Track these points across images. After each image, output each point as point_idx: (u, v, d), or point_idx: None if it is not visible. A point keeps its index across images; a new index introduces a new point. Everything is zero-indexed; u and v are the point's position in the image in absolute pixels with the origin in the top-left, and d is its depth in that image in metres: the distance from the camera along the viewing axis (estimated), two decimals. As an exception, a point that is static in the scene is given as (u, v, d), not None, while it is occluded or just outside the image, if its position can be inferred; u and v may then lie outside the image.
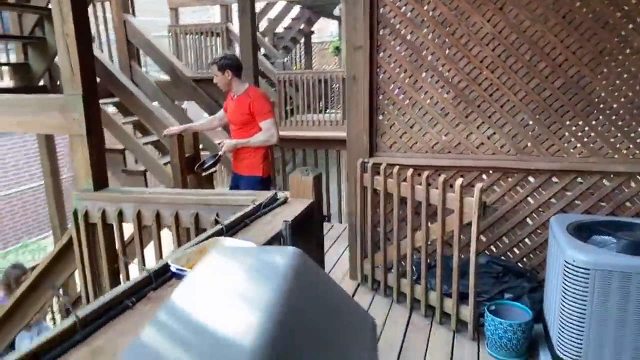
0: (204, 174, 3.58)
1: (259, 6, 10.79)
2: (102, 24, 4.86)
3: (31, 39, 3.66)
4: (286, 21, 10.32)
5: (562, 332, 2.27)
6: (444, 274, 2.81)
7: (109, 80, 4.00)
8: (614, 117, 2.81)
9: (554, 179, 2.96)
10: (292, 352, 0.71)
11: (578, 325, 2.20)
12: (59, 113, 2.59)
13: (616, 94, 2.78)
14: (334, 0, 9.44)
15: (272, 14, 10.29)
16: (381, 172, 3.03)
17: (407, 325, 2.90)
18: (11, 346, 3.29)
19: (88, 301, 2.72)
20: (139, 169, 4.03)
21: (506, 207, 3.05)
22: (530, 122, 2.95)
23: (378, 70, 3.14)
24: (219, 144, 3.59)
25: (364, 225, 3.24)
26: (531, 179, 2.99)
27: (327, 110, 8.45)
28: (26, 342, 3.07)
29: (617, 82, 2.77)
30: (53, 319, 4.45)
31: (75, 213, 2.63)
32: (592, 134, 2.87)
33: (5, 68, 3.82)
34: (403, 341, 2.76)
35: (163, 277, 1.40)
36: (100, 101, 4.02)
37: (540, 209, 3.01)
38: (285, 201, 2.19)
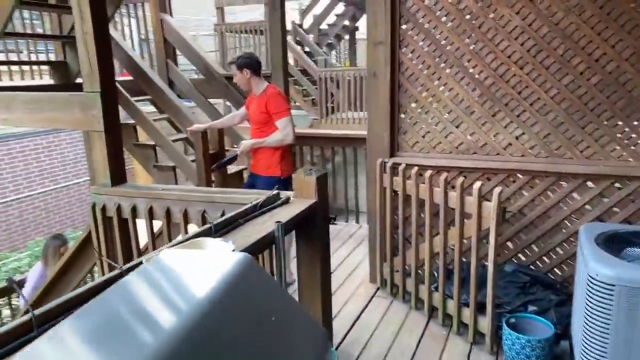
0: (217, 171, 3.60)
1: (304, 2, 10.83)
2: (141, 24, 5.02)
3: (67, 39, 3.82)
4: (331, 18, 10.25)
5: (585, 351, 2.08)
6: (462, 282, 2.67)
7: (141, 78, 4.11)
8: (658, 117, 2.55)
9: (589, 184, 2.73)
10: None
11: (601, 345, 2.01)
12: (80, 110, 2.66)
13: (661, 91, 2.53)
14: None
15: (317, 10, 10.26)
16: (400, 173, 2.91)
17: (423, 333, 2.78)
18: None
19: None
20: (169, 164, 4.11)
21: (536, 213, 2.85)
22: (563, 122, 2.73)
23: (400, 66, 3.02)
24: (235, 146, 3.60)
25: (383, 228, 3.13)
26: (563, 183, 2.78)
27: (368, 108, 8.30)
28: None
29: (663, 78, 2.51)
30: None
31: (93, 207, 2.71)
32: (633, 136, 2.62)
33: (47, 67, 4.02)
34: (416, 349, 2.64)
35: (135, 275, 1.38)
36: (136, 98, 4.16)
37: (573, 216, 2.78)
38: (287, 201, 2.14)
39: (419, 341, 2.71)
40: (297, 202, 2.13)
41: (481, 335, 2.61)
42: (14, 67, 3.87)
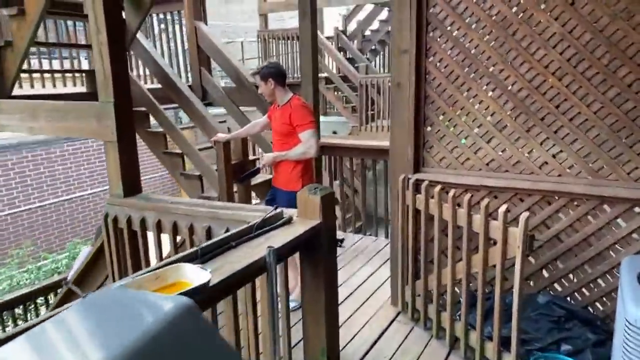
0: (241, 183, 3.53)
1: (347, 8, 10.69)
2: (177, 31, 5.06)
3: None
4: (375, 24, 10.07)
5: (622, 405, 1.81)
6: (487, 313, 2.44)
7: (169, 86, 4.12)
8: None
9: (637, 210, 2.43)
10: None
11: (640, 402, 1.74)
12: (95, 119, 2.66)
13: None
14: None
15: (361, 16, 10.11)
16: (422, 190, 2.71)
17: (443, 365, 2.57)
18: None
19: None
20: (195, 173, 4.09)
21: (574, 240, 2.57)
22: (607, 140, 2.44)
23: (427, 76, 2.82)
24: (257, 159, 3.51)
25: (405, 249, 2.94)
26: (607, 207, 2.49)
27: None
28: None
29: None
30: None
31: (105, 217, 2.69)
32: (690, 157, 2.30)
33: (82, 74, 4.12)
34: (433, 384, 2.43)
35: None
36: (165, 106, 4.17)
37: (617, 246, 2.49)
38: (289, 221, 2.01)
39: (438, 375, 2.50)
40: (300, 223, 2.00)
41: (506, 374, 2.37)
42: (48, 74, 3.99)
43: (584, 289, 2.61)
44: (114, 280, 2.77)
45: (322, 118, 10.26)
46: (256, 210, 2.29)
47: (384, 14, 9.98)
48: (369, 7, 9.97)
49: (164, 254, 2.62)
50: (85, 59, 4.45)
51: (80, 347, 0.79)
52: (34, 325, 0.94)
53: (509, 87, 2.62)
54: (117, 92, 2.56)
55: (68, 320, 0.85)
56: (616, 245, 2.48)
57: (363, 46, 9.93)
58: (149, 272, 1.46)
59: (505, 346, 2.35)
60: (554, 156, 2.58)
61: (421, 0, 2.71)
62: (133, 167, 2.69)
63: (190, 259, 1.61)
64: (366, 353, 2.69)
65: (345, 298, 3.32)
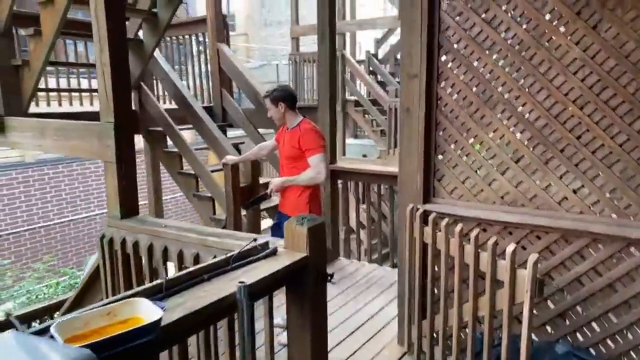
0: (248, 209, 3.43)
1: (380, 32, 10.64)
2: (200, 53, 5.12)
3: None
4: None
5: None
6: (495, 361, 2.22)
7: (184, 107, 4.12)
8: None
9: (670, 255, 2.17)
10: None
11: None
12: (97, 139, 2.64)
13: None
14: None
15: (394, 40, 10.04)
16: (429, 223, 2.54)
17: (446, 417, 2.34)
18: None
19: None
20: (207, 194, 4.05)
21: (597, 285, 2.32)
22: (635, 175, 2.21)
23: (438, 102, 2.67)
24: (265, 183, 3.42)
25: (411, 285, 2.75)
26: (634, 251, 2.24)
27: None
28: None
29: None
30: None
31: (102, 239, 2.65)
32: None
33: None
34: None
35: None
36: (180, 127, 4.17)
37: (647, 293, 2.23)
38: (274, 253, 1.89)
39: None
40: (286, 255, 1.87)
41: None
42: (66, 93, 4.07)
43: (608, 340, 2.35)
44: None
45: (352, 140, 10.25)
46: (245, 239, 2.17)
47: (416, 37, 9.84)
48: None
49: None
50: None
51: None
52: None
53: (526, 116, 2.43)
54: (118, 112, 2.54)
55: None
56: (645, 294, 2.22)
57: (395, 70, 9.81)
58: (102, 306, 1.36)
59: (514, 401, 2.12)
60: (574, 191, 2.36)
61: (433, 22, 2.58)
62: (132, 188, 2.65)
63: (154, 292, 1.51)
64: (363, 397, 2.50)
65: (351, 333, 3.14)
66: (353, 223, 4.56)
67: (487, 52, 2.49)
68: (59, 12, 2.95)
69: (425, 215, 2.65)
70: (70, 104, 4.02)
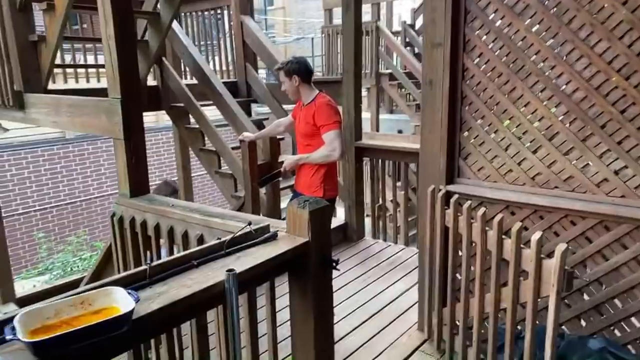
0: (262, 187, 3.32)
1: (418, 1, 10.15)
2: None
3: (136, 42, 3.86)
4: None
5: None
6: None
7: (204, 82, 4.02)
8: None
9: None
10: None
11: None
12: (105, 116, 2.57)
13: None
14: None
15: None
16: (451, 206, 2.35)
17: (464, 412, 2.20)
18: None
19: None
20: (228, 171, 3.97)
21: (638, 277, 2.08)
22: (688, 155, 1.94)
23: (464, 73, 2.44)
24: (281, 161, 3.27)
25: (432, 271, 2.58)
26: (684, 240, 1.98)
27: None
28: None
29: None
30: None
31: (112, 217, 2.61)
32: None
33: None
34: None
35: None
36: (201, 103, 4.09)
37: (696, 288, 1.98)
38: (274, 237, 1.77)
39: (456, 423, 2.14)
40: (286, 240, 1.75)
41: None
42: (81, 70, 4.03)
43: (649, 338, 2.12)
44: None
45: (387, 116, 9.95)
46: (251, 221, 2.06)
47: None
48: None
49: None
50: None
51: None
52: None
53: (562, 87, 2.17)
54: (125, 88, 2.45)
55: None
56: (694, 288, 1.97)
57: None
58: (76, 294, 1.28)
59: (538, 401, 1.95)
60: (616, 172, 2.10)
61: (459, -16, 2.34)
62: (141, 166, 2.58)
63: (137, 279, 1.42)
64: (377, 386, 2.38)
65: (371, 316, 3.02)
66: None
67: (519, 17, 2.23)
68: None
69: (448, 197, 2.46)
70: (87, 80, 3.99)
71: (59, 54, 3.43)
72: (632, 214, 2.04)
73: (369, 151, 4.06)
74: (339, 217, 4.47)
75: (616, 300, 2.17)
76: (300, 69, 2.91)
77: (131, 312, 1.18)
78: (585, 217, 2.17)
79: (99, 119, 2.63)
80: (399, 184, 4.44)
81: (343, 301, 3.19)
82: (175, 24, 4.11)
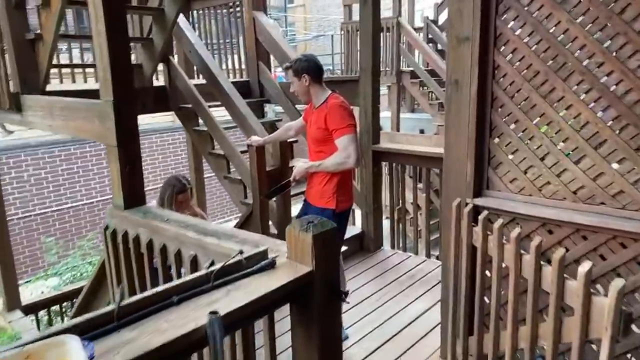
0: (270, 199, 3.05)
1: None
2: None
3: (139, 40, 3.66)
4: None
5: None
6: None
7: (212, 81, 3.79)
8: None
9: None
10: None
11: None
12: (98, 120, 2.36)
13: None
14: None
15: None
16: (480, 223, 2.06)
17: None
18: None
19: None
20: (237, 177, 3.74)
21: (703, 310, 1.77)
22: None
23: (495, 72, 2.15)
24: (291, 167, 3.01)
25: (456, 294, 2.30)
26: None
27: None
28: None
29: None
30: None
31: (105, 230, 2.40)
32: None
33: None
34: None
35: None
36: (209, 104, 3.87)
37: None
38: (272, 265, 1.52)
39: None
40: (286, 269, 1.50)
41: None
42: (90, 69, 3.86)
43: None
44: (114, 297, 2.47)
45: (408, 115, 9.62)
46: (249, 243, 1.81)
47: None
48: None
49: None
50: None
51: None
52: None
53: (612, 88, 1.87)
54: (118, 89, 2.23)
55: None
56: None
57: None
58: (23, 345, 1.06)
59: None
60: (676, 188, 1.79)
61: (490, -30, 2.04)
62: (136, 175, 2.36)
63: (103, 322, 1.19)
64: None
65: (387, 340, 2.75)
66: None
67: (560, 6, 1.93)
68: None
69: (476, 211, 2.18)
70: (85, 80, 3.81)
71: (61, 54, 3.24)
72: (697, 238, 1.73)
73: (387, 155, 3.78)
74: (356, 225, 4.21)
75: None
76: (310, 67, 2.65)
77: (79, 375, 0.95)
78: (638, 240, 1.86)
79: (92, 123, 2.41)
80: (420, 185, 4.20)
81: (357, 322, 2.93)
82: (182, 21, 3.91)
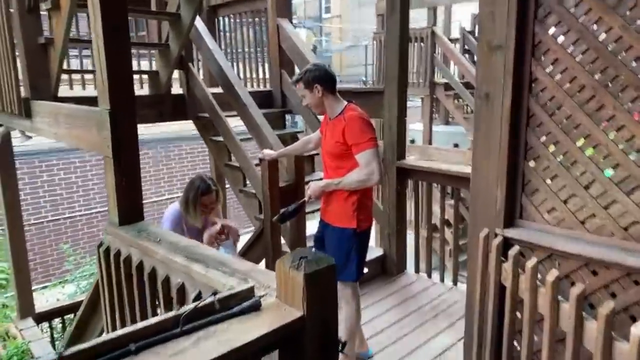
0: (282, 223, 2.78)
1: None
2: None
3: (156, 46, 3.54)
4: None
5: None
6: None
7: (228, 90, 3.63)
8: None
9: None
10: None
11: None
12: (96, 129, 2.21)
13: None
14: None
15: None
16: (509, 260, 1.78)
17: None
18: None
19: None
20: (252, 191, 3.55)
21: None
22: None
23: (532, 85, 1.87)
24: (306, 182, 2.78)
25: (481, 336, 2.01)
26: None
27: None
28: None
29: None
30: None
31: (98, 247, 2.24)
32: None
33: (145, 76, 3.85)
34: None
35: None
36: (226, 114, 3.71)
37: None
38: (256, 308, 1.29)
39: None
40: (273, 312, 1.27)
41: None
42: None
43: None
44: (106, 316, 2.29)
45: (441, 128, 9.28)
46: (238, 275, 1.59)
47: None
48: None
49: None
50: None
51: None
52: None
53: (675, 107, 1.57)
54: (115, 97, 2.07)
55: None
56: None
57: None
58: None
59: None
60: None
61: (529, -30, 1.78)
62: (133, 190, 2.18)
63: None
64: None
65: (405, 380, 2.48)
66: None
67: (612, 10, 1.65)
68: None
69: (506, 244, 1.90)
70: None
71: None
72: None
73: (413, 173, 3.51)
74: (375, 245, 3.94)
75: None
76: (321, 77, 2.43)
77: None
78: None
79: (90, 132, 2.27)
80: (450, 201, 3.89)
81: (373, 355, 2.66)
82: (202, 27, 3.77)
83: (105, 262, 2.20)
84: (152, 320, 1.18)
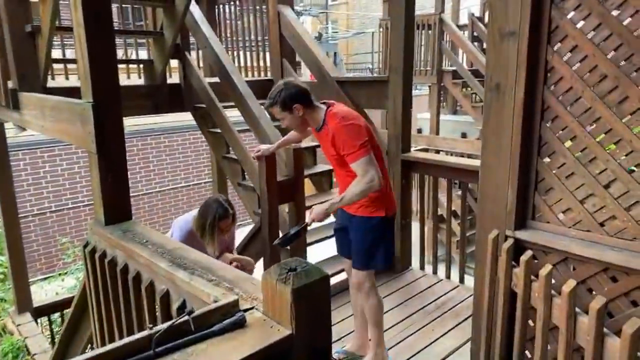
0: (283, 247, 2.61)
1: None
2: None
3: (149, 34, 3.40)
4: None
5: None
6: None
7: (226, 80, 3.48)
8: None
9: None
10: None
11: None
12: (80, 123, 2.08)
13: None
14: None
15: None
16: (521, 265, 1.64)
17: None
18: None
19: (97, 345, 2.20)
20: (251, 184, 3.43)
21: None
22: None
23: (547, 75, 1.71)
24: (309, 207, 2.60)
25: (489, 343, 1.88)
26: None
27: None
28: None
29: None
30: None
31: (84, 247, 2.12)
32: None
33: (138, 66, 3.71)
34: None
35: None
36: (223, 104, 3.56)
37: None
38: (240, 325, 1.17)
39: None
40: (258, 330, 1.15)
41: None
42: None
43: None
44: (96, 342, 2.18)
45: (449, 117, 9.07)
46: (224, 284, 1.46)
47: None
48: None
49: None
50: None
51: None
52: None
53: None
54: (98, 89, 1.94)
55: None
56: None
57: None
58: None
59: None
60: None
61: (546, -54, 1.62)
62: (119, 187, 2.06)
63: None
64: None
65: (408, 385, 2.36)
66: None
67: (640, -11, 1.49)
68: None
69: (517, 248, 1.76)
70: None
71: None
72: None
73: (418, 166, 3.35)
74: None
75: None
76: (297, 93, 2.23)
77: None
78: None
79: (75, 126, 2.14)
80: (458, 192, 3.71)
81: (374, 357, 2.54)
82: (198, 14, 3.62)
83: (91, 263, 2.09)
84: (123, 342, 1.06)
